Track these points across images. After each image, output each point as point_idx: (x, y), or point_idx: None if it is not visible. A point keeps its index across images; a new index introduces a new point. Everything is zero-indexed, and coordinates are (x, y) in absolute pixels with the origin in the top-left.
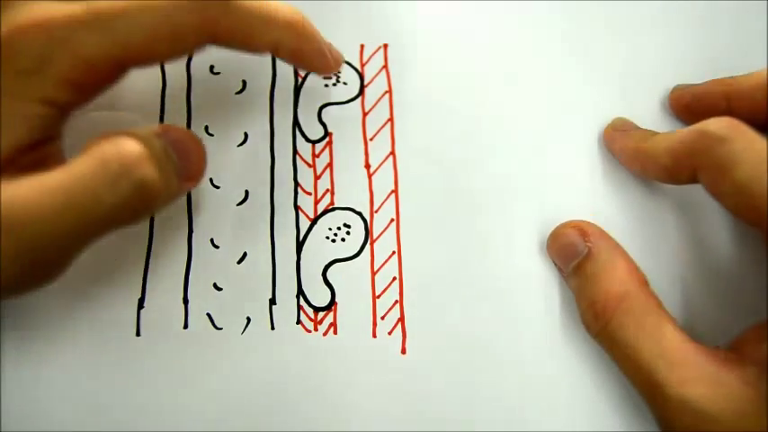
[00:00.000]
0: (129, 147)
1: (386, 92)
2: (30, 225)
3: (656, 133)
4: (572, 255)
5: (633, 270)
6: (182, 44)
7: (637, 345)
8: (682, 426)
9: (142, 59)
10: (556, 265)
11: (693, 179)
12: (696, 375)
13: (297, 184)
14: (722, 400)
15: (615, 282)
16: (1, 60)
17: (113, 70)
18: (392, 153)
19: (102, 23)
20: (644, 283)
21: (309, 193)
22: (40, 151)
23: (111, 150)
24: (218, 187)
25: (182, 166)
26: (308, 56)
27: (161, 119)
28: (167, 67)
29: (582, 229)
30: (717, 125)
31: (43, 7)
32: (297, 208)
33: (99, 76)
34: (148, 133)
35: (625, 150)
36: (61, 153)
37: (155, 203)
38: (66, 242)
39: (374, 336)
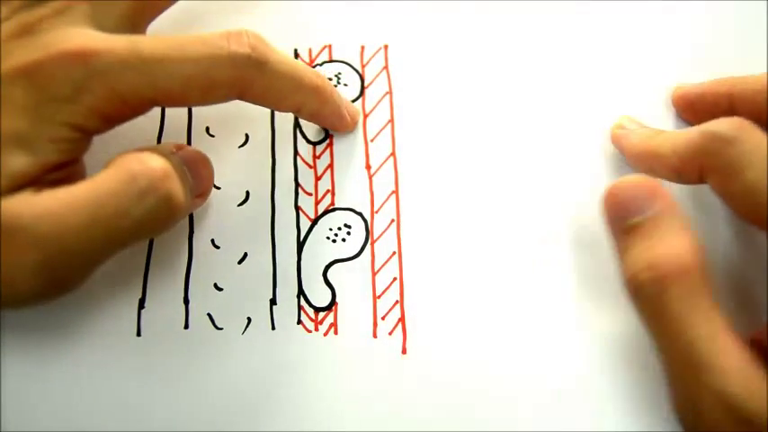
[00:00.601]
0: (156, 162)
1: (386, 93)
2: (56, 239)
3: (662, 132)
4: (635, 210)
5: (699, 249)
6: (213, 95)
7: (690, 321)
8: (711, 417)
9: (173, 103)
10: (607, 216)
11: (702, 179)
12: (739, 368)
13: (297, 184)
14: (758, 400)
15: (683, 252)
16: (37, 84)
17: (143, 107)
18: (393, 154)
19: (142, 66)
20: (704, 265)
21: (310, 194)
22: (64, 171)
23: (137, 166)
24: (218, 188)
25: (194, 183)
26: (328, 118)
27: (162, 119)
28: None
29: (653, 189)
30: (725, 126)
31: (88, 36)
32: (297, 208)
33: (129, 111)
34: (167, 150)
35: (632, 149)
36: (84, 171)
37: (177, 217)
38: (90, 255)
39: (375, 336)
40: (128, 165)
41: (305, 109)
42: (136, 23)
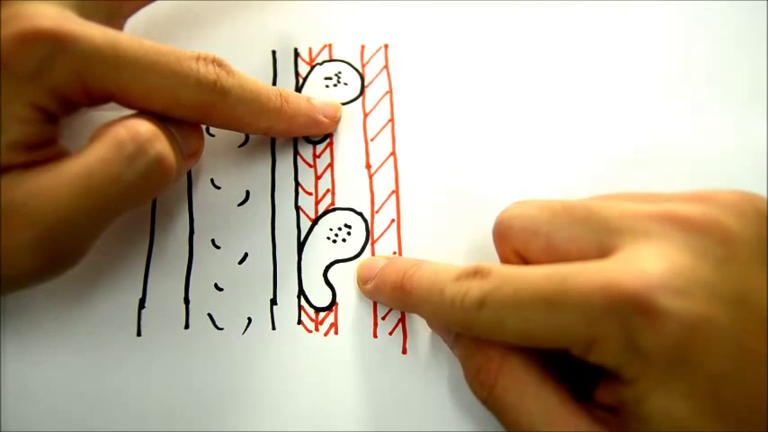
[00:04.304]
0: (142, 126)
1: (386, 92)
2: (51, 213)
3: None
4: None
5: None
6: (174, 113)
7: (521, 408)
8: None
9: (133, 105)
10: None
11: None
12: None
13: (298, 184)
14: None
15: (496, 345)
16: (2, 60)
17: (102, 100)
18: (393, 153)
19: (115, 61)
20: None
21: (310, 194)
22: (45, 151)
23: (123, 131)
24: (219, 188)
25: (184, 143)
26: (301, 132)
27: None
28: None
29: None
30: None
31: (66, 18)
32: (298, 208)
33: (87, 100)
34: (154, 122)
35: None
36: (67, 151)
37: (170, 178)
38: (87, 226)
39: (375, 336)
40: (114, 132)
41: (274, 130)
42: (112, 17)
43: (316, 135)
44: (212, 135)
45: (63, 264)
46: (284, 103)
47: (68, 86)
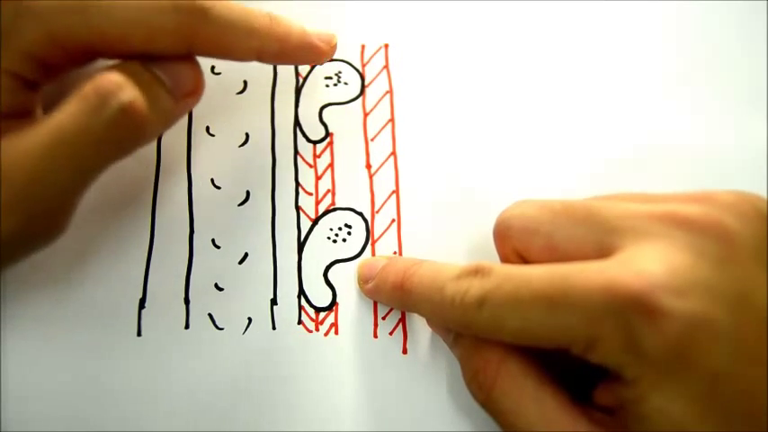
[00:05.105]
0: (106, 78)
1: (387, 92)
2: (23, 171)
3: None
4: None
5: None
6: (156, 45)
7: (519, 410)
8: None
9: (113, 52)
10: (440, 334)
11: None
12: None
13: (298, 184)
14: None
15: (495, 347)
16: None
17: (81, 55)
18: (393, 153)
19: (80, 8)
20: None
21: (310, 194)
22: (18, 123)
23: (89, 86)
24: (219, 188)
25: (174, 84)
26: (296, 55)
27: None
28: None
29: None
30: None
31: None
32: (298, 208)
33: (66, 58)
34: (131, 63)
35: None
36: None
37: (145, 125)
38: (62, 182)
39: (375, 336)
40: (80, 88)
41: (266, 53)
42: None
43: (312, 62)
44: (212, 135)
45: (43, 227)
46: (274, 22)
47: (40, 47)
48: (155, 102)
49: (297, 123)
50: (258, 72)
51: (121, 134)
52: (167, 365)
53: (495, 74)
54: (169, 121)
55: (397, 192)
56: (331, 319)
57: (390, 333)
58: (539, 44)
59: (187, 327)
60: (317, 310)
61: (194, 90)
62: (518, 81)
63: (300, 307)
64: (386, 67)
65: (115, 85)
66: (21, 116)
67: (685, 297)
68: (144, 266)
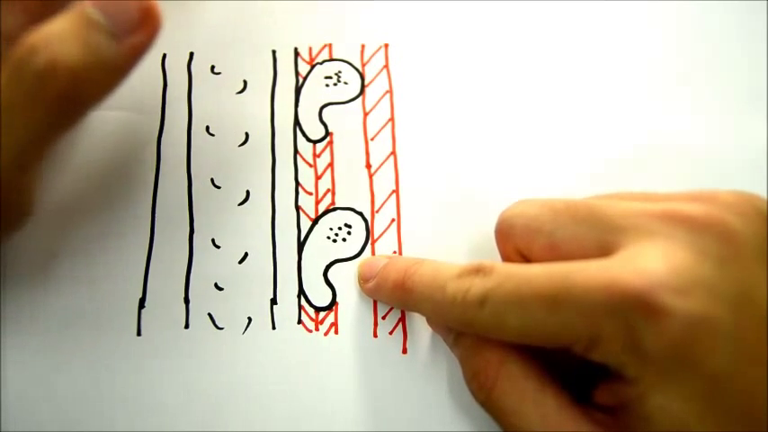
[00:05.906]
0: (25, 43)
1: (387, 91)
2: None
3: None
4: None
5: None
6: None
7: (520, 411)
8: None
9: None
10: (440, 334)
11: None
12: None
13: (298, 184)
14: None
15: (495, 347)
16: None
17: None
18: (393, 153)
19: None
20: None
21: (310, 193)
22: None
23: (12, 52)
24: (219, 187)
25: (114, 23)
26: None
27: (162, 118)
28: (168, 66)
29: None
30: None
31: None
32: (298, 208)
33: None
34: (59, 19)
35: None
36: None
37: (79, 81)
38: (6, 145)
39: (375, 336)
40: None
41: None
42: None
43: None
44: (212, 135)
45: (8, 210)
46: None
47: None
48: (92, 50)
49: (297, 123)
50: (258, 72)
51: (52, 98)
52: (167, 365)
53: (495, 73)
54: (120, 67)
55: (396, 191)
56: (331, 318)
57: (390, 333)
58: (539, 44)
59: (187, 326)
60: (317, 309)
61: (142, 22)
62: (518, 81)
63: (300, 307)
64: (386, 66)
65: (29, 48)
66: None
67: (687, 296)
68: (144, 266)
